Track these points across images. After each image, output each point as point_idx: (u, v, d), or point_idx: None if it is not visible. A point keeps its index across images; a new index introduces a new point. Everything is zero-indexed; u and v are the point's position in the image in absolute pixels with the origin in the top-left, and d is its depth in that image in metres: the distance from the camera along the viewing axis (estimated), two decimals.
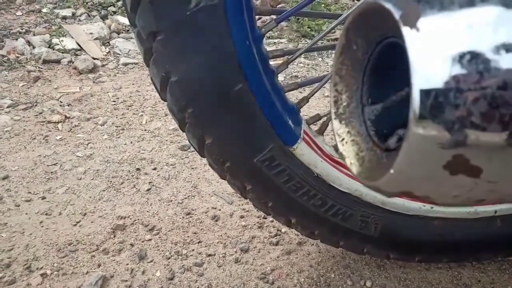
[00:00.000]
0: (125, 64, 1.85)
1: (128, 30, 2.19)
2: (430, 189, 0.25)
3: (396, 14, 0.24)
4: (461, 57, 0.22)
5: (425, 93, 0.22)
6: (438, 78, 0.22)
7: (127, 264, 0.86)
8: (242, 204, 1.02)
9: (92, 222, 0.97)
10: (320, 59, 1.99)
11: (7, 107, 1.47)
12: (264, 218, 0.98)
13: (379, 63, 0.30)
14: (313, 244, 0.91)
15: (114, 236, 0.93)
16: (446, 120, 0.22)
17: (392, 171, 0.24)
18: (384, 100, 0.30)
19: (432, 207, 0.73)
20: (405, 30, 0.23)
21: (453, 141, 0.23)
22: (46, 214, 0.99)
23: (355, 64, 0.31)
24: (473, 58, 0.22)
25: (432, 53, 0.22)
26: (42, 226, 0.96)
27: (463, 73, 0.22)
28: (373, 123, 0.31)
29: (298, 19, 2.31)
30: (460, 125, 0.22)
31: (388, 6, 0.24)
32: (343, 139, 0.31)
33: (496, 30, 0.23)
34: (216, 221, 0.98)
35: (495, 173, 0.24)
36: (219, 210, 1.01)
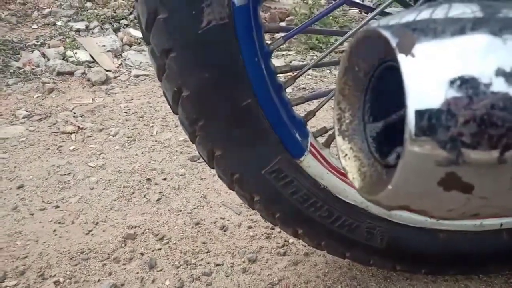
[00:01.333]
0: (137, 76, 1.89)
1: (139, 43, 2.24)
2: (426, 204, 0.27)
3: (393, 42, 0.25)
4: (452, 81, 0.24)
5: (419, 115, 0.24)
6: (430, 100, 0.24)
7: (137, 273, 0.88)
8: (250, 215, 1.04)
9: (103, 231, 1.00)
10: (328, 71, 2.01)
11: (23, 118, 1.51)
12: (272, 228, 0.99)
13: (380, 84, 0.32)
14: (320, 255, 0.92)
15: (125, 245, 0.95)
16: (438, 140, 0.24)
17: (390, 186, 0.26)
18: (385, 119, 0.32)
19: (437, 220, 0.74)
20: (401, 57, 0.25)
21: (445, 160, 0.24)
22: (59, 222, 1.02)
23: (357, 84, 0.33)
24: (463, 83, 0.24)
25: (425, 78, 0.24)
26: (56, 235, 0.98)
27: (454, 96, 0.24)
28: (374, 140, 0.32)
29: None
30: (451, 145, 0.24)
31: (386, 34, 0.26)
32: (346, 154, 0.33)
33: (485, 57, 0.24)
34: (225, 231, 0.99)
35: (486, 190, 0.25)
36: (228, 220, 1.03)
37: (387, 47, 0.26)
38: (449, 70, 0.25)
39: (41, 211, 1.06)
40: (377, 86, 0.32)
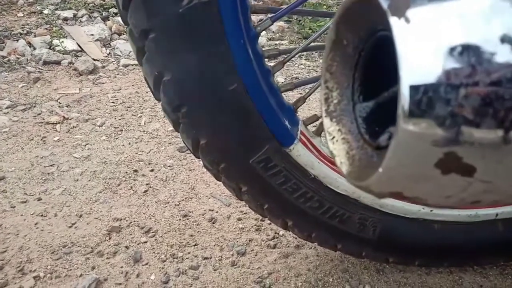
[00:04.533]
0: (126, 66, 1.84)
1: None
2: (421, 189, 0.24)
3: (384, 4, 0.22)
4: (452, 49, 0.21)
5: (414, 88, 0.21)
6: (427, 72, 0.21)
7: (121, 267, 0.85)
8: (240, 207, 1.01)
9: (87, 224, 0.96)
10: (321, 60, 1.98)
11: (6, 108, 1.46)
12: (262, 220, 0.96)
13: (371, 59, 0.29)
14: (311, 248, 0.89)
15: (110, 238, 0.92)
16: (436, 116, 0.21)
17: (381, 169, 0.23)
18: (376, 97, 0.29)
19: (431, 210, 0.72)
20: (393, 21, 0.22)
21: (445, 138, 0.21)
22: (42, 215, 0.98)
23: (346, 60, 0.30)
24: (465, 51, 0.21)
25: (422, 46, 0.21)
26: (37, 228, 0.95)
27: (454, 66, 0.21)
28: (365, 121, 0.29)
29: (299, 20, 2.30)
30: (451, 122, 0.21)
31: None
32: (333, 137, 0.30)
33: (489, 21, 0.21)
34: (213, 223, 0.97)
35: (489, 172, 0.22)
36: (217, 212, 1.00)
37: (378, 12, 0.23)
38: (448, 37, 0.21)
39: (22, 204, 1.02)
40: (367, 61, 0.29)
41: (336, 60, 0.30)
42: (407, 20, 0.22)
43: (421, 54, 0.21)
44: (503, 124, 0.21)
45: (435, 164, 0.22)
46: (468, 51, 0.21)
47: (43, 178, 1.12)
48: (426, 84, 0.21)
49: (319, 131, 0.70)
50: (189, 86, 0.58)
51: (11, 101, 1.50)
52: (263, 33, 2.33)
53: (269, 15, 0.62)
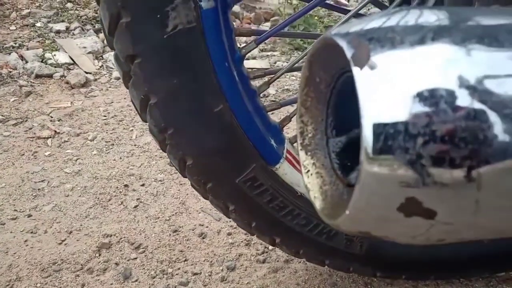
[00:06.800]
0: (118, 78, 1.84)
1: None
2: (388, 231, 0.25)
3: (348, 53, 0.23)
4: (411, 97, 0.22)
5: (374, 134, 0.22)
6: (386, 118, 0.22)
7: (111, 284, 0.85)
8: (230, 221, 1.01)
9: (77, 240, 0.96)
10: None
11: None
12: (251, 235, 0.97)
13: (342, 96, 0.30)
14: (300, 262, 0.90)
15: (100, 255, 0.92)
16: (397, 160, 0.22)
17: (347, 211, 0.24)
18: (347, 133, 0.30)
19: None
20: (355, 70, 0.23)
21: (405, 182, 0.22)
22: (32, 232, 0.98)
23: (319, 96, 0.31)
24: (422, 99, 0.22)
25: (381, 94, 0.22)
26: (27, 245, 0.95)
27: (412, 114, 0.22)
28: (337, 156, 0.30)
29: (288, 29, 2.32)
30: (411, 166, 0.22)
31: (342, 44, 0.24)
32: (308, 170, 0.31)
33: (446, 68, 0.22)
34: (203, 238, 0.97)
35: (449, 215, 0.23)
36: (207, 227, 1.00)
37: (344, 57, 0.24)
38: (407, 85, 0.23)
39: (12, 220, 1.02)
40: (339, 98, 0.30)
41: (310, 95, 0.31)
42: (368, 69, 0.23)
43: (380, 102, 0.22)
44: (458, 169, 0.22)
45: (398, 208, 0.23)
46: (426, 98, 0.22)
47: (34, 194, 1.12)
48: (385, 131, 0.22)
49: None
50: (174, 109, 0.58)
51: (2, 116, 1.50)
52: None
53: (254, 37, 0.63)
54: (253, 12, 2.72)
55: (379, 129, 0.22)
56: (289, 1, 2.67)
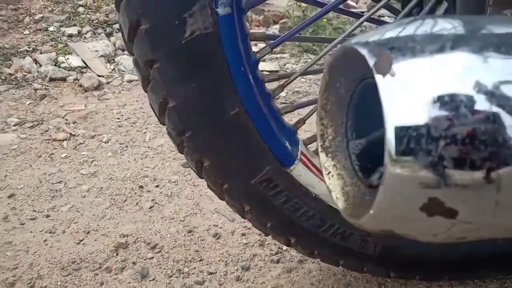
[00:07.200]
0: (130, 81, 1.87)
1: None
2: (410, 229, 0.26)
3: (371, 62, 0.25)
4: (431, 103, 0.23)
5: (397, 138, 0.23)
6: (409, 123, 0.23)
7: (129, 283, 0.87)
8: (244, 222, 1.03)
9: (95, 240, 0.98)
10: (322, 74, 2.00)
11: (14, 125, 1.49)
12: (265, 235, 0.98)
13: (362, 100, 0.31)
14: (314, 262, 0.91)
15: (117, 254, 0.94)
16: (419, 163, 0.23)
17: (372, 211, 0.25)
18: (367, 135, 0.31)
19: None
20: (379, 78, 0.24)
21: (427, 183, 0.23)
22: (50, 232, 1.01)
23: (339, 99, 0.32)
24: (443, 104, 0.23)
25: (403, 100, 0.23)
26: (46, 245, 0.97)
27: (433, 118, 0.23)
28: (358, 158, 0.31)
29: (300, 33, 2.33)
30: (433, 168, 0.23)
31: (364, 52, 0.25)
32: (329, 172, 0.32)
33: (464, 75, 0.23)
34: (218, 238, 0.98)
35: (470, 215, 0.24)
36: (221, 227, 1.02)
37: (366, 64, 0.25)
38: (428, 91, 0.24)
39: (31, 221, 1.05)
40: (359, 102, 0.31)
41: (330, 99, 0.32)
42: (391, 76, 0.24)
43: (403, 108, 0.23)
44: (479, 171, 0.23)
45: (421, 208, 0.24)
46: (446, 104, 0.23)
47: (51, 195, 1.14)
48: (408, 135, 0.23)
49: None
50: (192, 112, 0.60)
51: (19, 118, 1.54)
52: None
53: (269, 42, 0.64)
54: (261, 15, 2.73)
55: (402, 132, 0.23)
56: (297, 3, 2.68)
